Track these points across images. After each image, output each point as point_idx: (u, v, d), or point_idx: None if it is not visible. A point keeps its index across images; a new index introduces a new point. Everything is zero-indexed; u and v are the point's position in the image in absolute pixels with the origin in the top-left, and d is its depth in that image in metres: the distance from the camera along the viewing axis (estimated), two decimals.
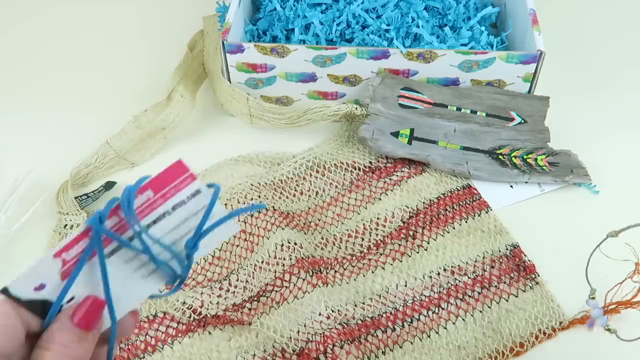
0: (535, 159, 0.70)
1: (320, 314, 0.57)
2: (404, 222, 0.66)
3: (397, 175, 0.70)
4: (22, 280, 0.33)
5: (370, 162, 0.71)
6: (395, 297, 0.60)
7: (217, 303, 0.59)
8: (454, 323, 0.58)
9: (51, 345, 0.32)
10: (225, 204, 0.66)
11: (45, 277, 0.33)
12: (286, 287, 0.59)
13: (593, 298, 0.57)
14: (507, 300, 0.59)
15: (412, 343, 0.57)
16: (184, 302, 0.59)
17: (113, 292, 0.34)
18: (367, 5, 0.77)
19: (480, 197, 0.68)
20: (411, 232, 0.65)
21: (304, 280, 0.59)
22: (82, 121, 0.79)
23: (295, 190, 0.69)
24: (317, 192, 0.69)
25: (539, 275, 0.61)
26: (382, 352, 0.57)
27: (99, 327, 0.34)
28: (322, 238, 0.65)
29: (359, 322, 0.58)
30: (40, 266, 0.33)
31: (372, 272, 0.62)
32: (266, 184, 0.69)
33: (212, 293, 0.60)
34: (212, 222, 0.35)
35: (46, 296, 0.33)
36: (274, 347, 0.57)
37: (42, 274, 0.33)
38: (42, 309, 0.34)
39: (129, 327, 0.37)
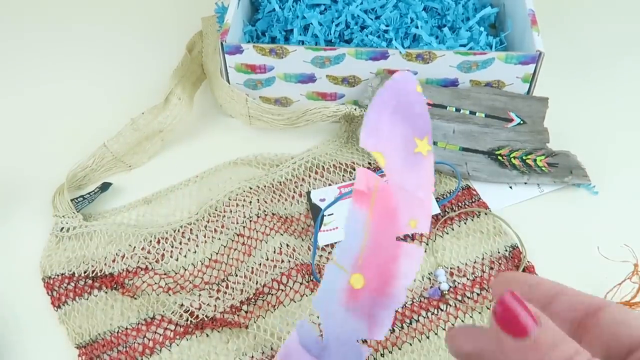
0: (535, 160, 0.70)
1: (318, 317, 0.56)
2: None
3: None
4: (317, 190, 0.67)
5: (369, 163, 0.71)
6: None
7: (215, 305, 0.59)
8: (453, 324, 0.58)
9: None
10: (224, 208, 0.66)
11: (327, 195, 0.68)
12: (282, 290, 0.59)
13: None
14: None
15: (411, 344, 0.57)
16: (182, 305, 0.59)
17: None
18: (365, 5, 0.77)
19: (480, 198, 0.68)
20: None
21: (300, 284, 0.59)
22: (79, 123, 0.79)
23: (294, 192, 0.69)
24: None
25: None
26: (381, 354, 0.56)
27: None
28: None
29: None
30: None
31: None
32: (265, 186, 0.69)
33: (210, 295, 0.60)
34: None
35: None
36: (272, 349, 0.56)
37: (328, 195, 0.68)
38: None
39: None
